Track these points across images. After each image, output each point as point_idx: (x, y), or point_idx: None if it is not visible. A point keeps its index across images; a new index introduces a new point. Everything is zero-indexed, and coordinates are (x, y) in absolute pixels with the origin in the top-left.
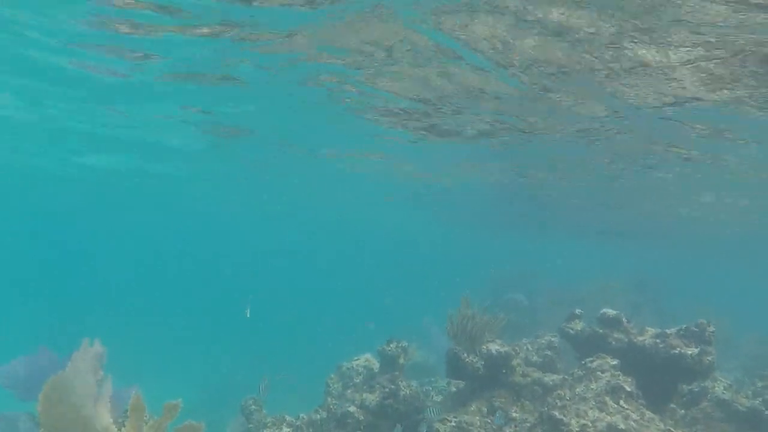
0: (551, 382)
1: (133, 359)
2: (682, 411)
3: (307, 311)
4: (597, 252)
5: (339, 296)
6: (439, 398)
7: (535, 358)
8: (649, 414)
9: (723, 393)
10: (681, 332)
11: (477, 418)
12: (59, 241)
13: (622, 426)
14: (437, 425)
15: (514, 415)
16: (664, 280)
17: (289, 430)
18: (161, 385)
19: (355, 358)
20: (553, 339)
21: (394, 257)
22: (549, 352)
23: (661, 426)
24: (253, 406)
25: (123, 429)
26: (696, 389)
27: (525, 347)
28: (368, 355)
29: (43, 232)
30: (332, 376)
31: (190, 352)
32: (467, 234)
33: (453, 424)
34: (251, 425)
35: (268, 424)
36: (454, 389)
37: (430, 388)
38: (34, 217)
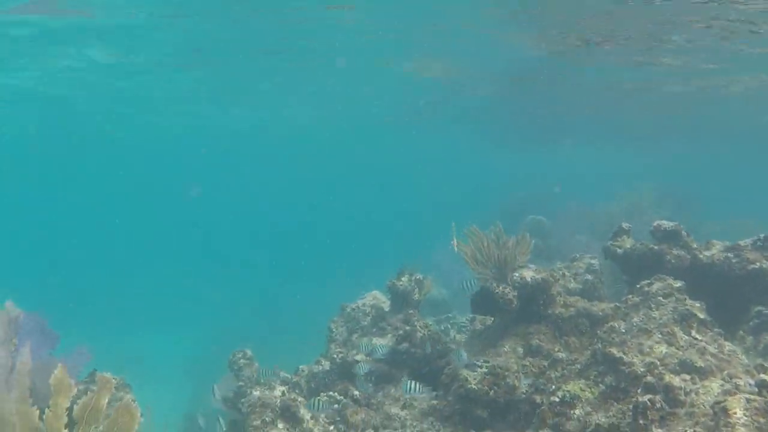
0: (600, 313)
1: (137, 312)
2: (751, 337)
3: (314, 247)
4: (616, 163)
5: (344, 230)
6: (460, 337)
7: (573, 284)
8: (728, 346)
9: None
10: (759, 243)
11: (513, 360)
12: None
13: (699, 363)
14: (464, 372)
15: (558, 355)
16: (695, 188)
17: (283, 388)
18: (167, 336)
19: (361, 296)
20: (593, 261)
21: (398, 186)
22: (589, 277)
23: (744, 360)
24: (243, 361)
25: (47, 410)
26: (765, 310)
27: (561, 272)
28: (376, 292)
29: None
30: (335, 319)
31: (196, 300)
32: (478, 155)
33: (485, 370)
34: (241, 383)
35: (261, 381)
36: (480, 326)
37: (449, 326)
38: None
